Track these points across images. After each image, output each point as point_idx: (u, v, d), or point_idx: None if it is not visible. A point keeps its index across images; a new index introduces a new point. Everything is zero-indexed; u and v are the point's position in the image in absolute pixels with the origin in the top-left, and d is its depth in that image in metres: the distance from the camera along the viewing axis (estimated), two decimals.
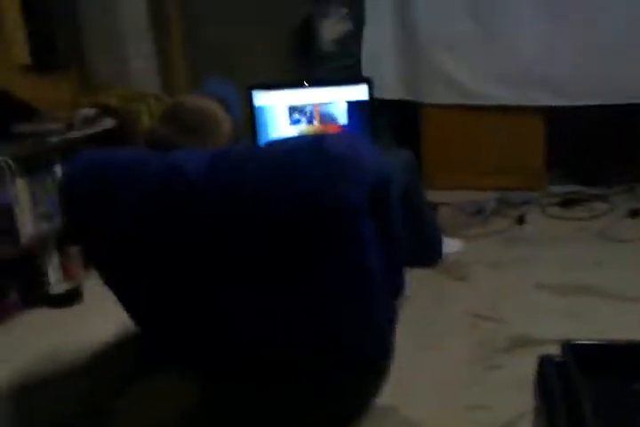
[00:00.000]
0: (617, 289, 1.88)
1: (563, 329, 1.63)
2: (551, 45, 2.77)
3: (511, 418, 1.30)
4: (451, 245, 2.21)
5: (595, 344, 0.96)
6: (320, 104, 2.06)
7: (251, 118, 2.01)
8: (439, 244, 2.12)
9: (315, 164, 1.11)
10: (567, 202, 2.71)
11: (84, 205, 1.11)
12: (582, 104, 2.76)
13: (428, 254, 2.10)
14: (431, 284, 2.01)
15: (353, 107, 2.08)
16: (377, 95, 3.06)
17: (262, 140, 2.03)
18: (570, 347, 0.94)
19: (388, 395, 1.40)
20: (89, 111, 2.24)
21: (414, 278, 2.03)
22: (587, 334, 1.59)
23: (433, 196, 2.83)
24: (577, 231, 2.41)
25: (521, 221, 2.54)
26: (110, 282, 1.24)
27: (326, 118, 2.06)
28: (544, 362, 0.98)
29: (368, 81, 2.14)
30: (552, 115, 2.88)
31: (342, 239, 1.15)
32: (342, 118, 2.07)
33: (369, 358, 1.27)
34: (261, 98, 2.04)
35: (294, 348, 1.31)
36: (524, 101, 2.87)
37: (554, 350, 0.97)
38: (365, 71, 3.04)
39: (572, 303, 1.84)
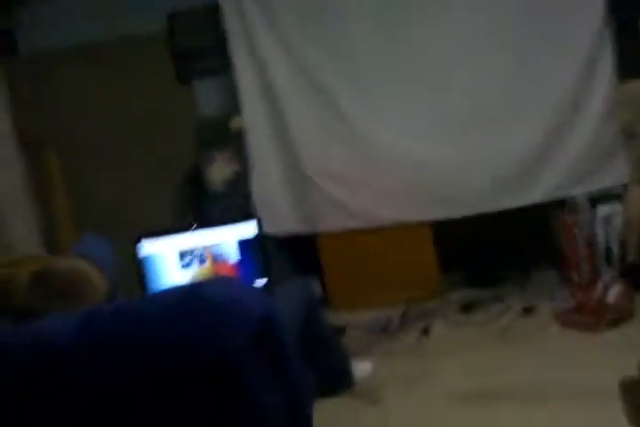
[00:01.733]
0: (524, 391, 1.93)
1: None
2: (434, 160, 2.96)
3: None
4: (361, 369, 2.20)
5: None
6: (211, 245, 2.11)
7: (137, 270, 2.01)
8: (349, 370, 2.11)
9: (192, 313, 1.11)
10: (466, 307, 2.82)
11: None
12: (474, 213, 2.90)
13: (340, 382, 2.08)
14: (346, 412, 1.98)
15: (244, 244, 2.14)
16: (273, 231, 3.18)
17: (153, 290, 2.02)
18: None
19: None
20: None
21: (328, 409, 1.99)
22: None
23: (341, 319, 2.89)
24: (479, 336, 2.50)
25: (426, 332, 2.60)
26: None
27: (218, 258, 2.11)
28: None
29: (256, 218, 2.23)
30: (437, 224, 3.05)
31: (231, 388, 1.14)
32: (234, 257, 2.12)
33: None
34: (150, 246, 2.07)
35: None
36: (418, 218, 3.01)
37: None
38: (259, 209, 3.15)
39: (483, 411, 1.85)
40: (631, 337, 2.20)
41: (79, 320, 1.08)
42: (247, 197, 3.21)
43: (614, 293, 2.47)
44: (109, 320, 1.11)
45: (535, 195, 2.91)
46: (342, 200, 3.11)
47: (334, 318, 2.83)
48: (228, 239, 2.13)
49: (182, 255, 2.06)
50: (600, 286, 2.56)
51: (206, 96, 3.63)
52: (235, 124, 3.34)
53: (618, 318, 2.37)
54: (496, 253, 3.18)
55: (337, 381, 2.07)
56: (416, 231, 3.06)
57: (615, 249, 2.81)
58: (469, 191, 2.96)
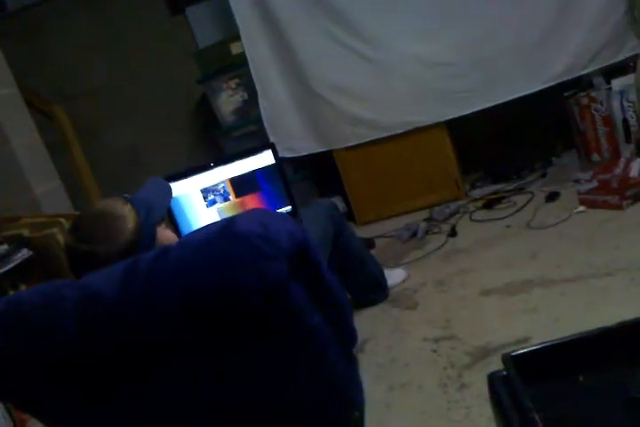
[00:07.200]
0: (556, 274, 1.97)
1: (520, 328, 1.70)
2: (443, 60, 2.91)
3: None
4: (395, 276, 2.28)
5: (531, 351, 1.02)
6: (231, 179, 2.14)
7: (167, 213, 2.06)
8: (382, 278, 2.19)
9: (229, 248, 1.12)
10: (490, 203, 2.85)
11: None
12: (488, 105, 2.88)
13: (375, 292, 2.16)
14: (385, 320, 2.06)
15: (264, 174, 2.15)
16: (289, 155, 3.20)
17: (185, 230, 2.08)
18: (510, 359, 1.01)
19: None
20: (0, 248, 2.17)
21: (368, 318, 2.10)
22: (546, 324, 1.68)
23: (368, 231, 2.95)
24: (506, 229, 2.53)
25: (453, 233, 2.66)
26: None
27: (241, 191, 2.14)
28: (492, 379, 1.05)
29: (271, 145, 2.21)
30: (454, 125, 3.03)
31: (276, 313, 1.19)
32: (256, 187, 2.14)
33: (336, 417, 1.29)
34: (174, 188, 2.10)
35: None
36: (431, 120, 2.97)
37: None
38: (271, 135, 3.13)
39: (521, 300, 1.90)
40: None
41: (122, 274, 1.07)
42: (260, 123, 3.17)
43: (636, 167, 2.45)
44: (152, 269, 1.12)
45: (549, 78, 2.82)
46: (354, 113, 3.06)
47: (362, 231, 2.89)
48: (247, 171, 2.13)
49: (205, 193, 2.10)
50: (621, 162, 2.53)
51: (201, 23, 3.51)
52: (236, 48, 3.23)
53: None
54: (514, 145, 3.15)
55: (373, 291, 2.15)
56: (433, 134, 3.02)
57: (633, 123, 2.76)
58: (481, 85, 2.89)
